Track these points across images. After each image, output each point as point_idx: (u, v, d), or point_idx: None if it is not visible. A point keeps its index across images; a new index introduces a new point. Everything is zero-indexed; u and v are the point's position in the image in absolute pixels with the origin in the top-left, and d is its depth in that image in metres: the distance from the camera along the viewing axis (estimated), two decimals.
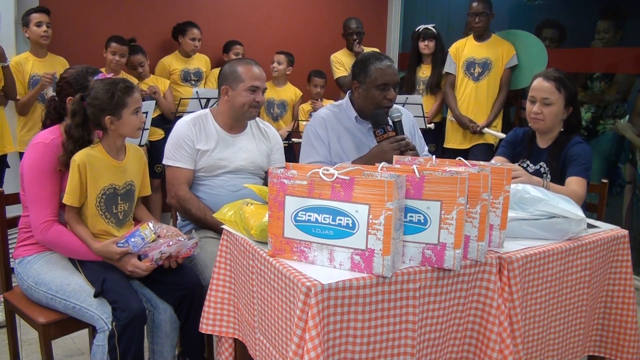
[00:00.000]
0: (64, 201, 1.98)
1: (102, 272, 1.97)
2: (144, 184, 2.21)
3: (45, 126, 2.14)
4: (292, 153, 4.01)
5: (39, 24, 3.41)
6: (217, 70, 4.16)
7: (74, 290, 1.95)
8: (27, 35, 3.46)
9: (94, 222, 2.03)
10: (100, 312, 1.89)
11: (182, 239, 2.04)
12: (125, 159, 2.09)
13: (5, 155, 3.32)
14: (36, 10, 3.45)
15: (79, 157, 1.96)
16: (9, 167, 3.36)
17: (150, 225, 2.05)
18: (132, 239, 1.97)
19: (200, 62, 4.34)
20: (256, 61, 2.46)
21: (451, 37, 4.38)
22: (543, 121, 2.37)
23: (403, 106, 3.63)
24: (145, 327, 1.97)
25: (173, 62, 4.25)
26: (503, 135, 3.68)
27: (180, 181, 2.37)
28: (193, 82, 4.27)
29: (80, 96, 1.99)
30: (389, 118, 2.33)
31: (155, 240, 2.02)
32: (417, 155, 2.19)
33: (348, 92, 2.56)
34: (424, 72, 4.44)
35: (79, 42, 3.95)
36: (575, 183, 2.26)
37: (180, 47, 4.28)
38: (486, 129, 4.03)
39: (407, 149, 2.22)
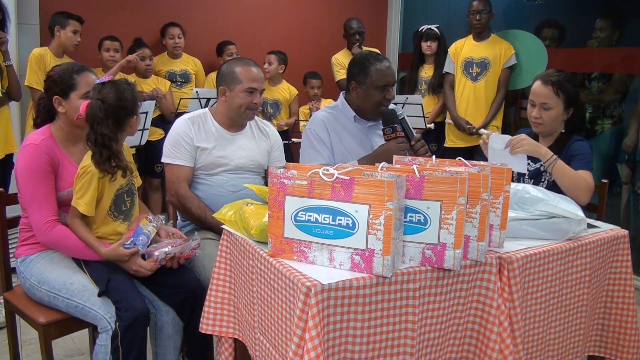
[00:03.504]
0: (81, 211, 1.94)
1: (107, 272, 1.97)
2: (135, 175, 2.18)
3: (36, 125, 2.12)
4: (289, 153, 4.00)
5: (75, 32, 3.61)
6: (213, 74, 4.16)
7: (77, 289, 1.94)
8: (58, 34, 3.58)
9: (106, 223, 2.02)
10: (103, 312, 1.89)
11: (186, 240, 2.05)
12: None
13: (12, 156, 3.34)
14: (77, 19, 3.62)
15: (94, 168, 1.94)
16: None
17: (149, 219, 2.06)
18: (139, 238, 1.98)
19: (187, 64, 4.38)
20: (254, 61, 2.46)
21: (451, 37, 4.38)
22: (542, 124, 2.38)
23: (403, 107, 3.64)
24: (148, 329, 1.97)
25: (159, 63, 4.30)
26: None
27: (180, 179, 2.36)
28: (179, 84, 4.30)
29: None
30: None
31: (156, 232, 2.03)
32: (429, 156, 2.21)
33: (342, 92, 2.56)
34: (427, 72, 4.44)
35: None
36: (583, 174, 2.26)
37: (167, 50, 4.35)
38: (482, 130, 4.03)
39: (422, 152, 2.26)
